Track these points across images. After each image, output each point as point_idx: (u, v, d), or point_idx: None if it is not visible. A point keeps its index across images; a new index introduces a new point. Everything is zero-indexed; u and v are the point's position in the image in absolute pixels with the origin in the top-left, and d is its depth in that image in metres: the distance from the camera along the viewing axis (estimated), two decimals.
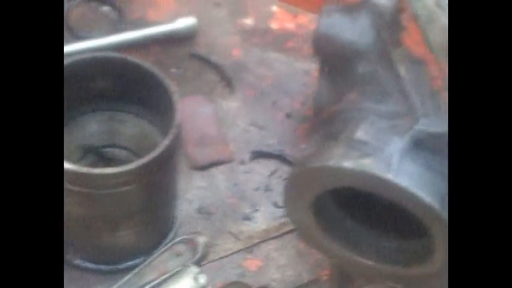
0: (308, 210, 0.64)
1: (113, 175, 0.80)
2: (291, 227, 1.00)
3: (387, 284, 0.77)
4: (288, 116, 1.12)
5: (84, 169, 0.79)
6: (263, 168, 1.06)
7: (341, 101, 0.64)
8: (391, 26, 0.63)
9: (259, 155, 1.08)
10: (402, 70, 0.62)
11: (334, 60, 0.67)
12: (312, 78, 1.13)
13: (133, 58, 0.88)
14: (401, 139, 0.58)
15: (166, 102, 0.86)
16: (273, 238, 1.00)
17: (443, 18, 0.58)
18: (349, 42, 0.66)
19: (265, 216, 1.02)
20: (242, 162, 1.07)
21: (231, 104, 1.12)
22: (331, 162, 0.59)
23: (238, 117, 1.11)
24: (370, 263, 0.66)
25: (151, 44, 1.14)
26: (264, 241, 0.99)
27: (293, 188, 0.63)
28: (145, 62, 0.88)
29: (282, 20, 1.22)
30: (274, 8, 1.22)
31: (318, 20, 0.68)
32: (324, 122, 0.64)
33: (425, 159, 0.59)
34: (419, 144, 0.59)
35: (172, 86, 0.87)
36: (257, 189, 1.04)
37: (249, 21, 1.21)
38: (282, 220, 1.01)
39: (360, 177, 0.58)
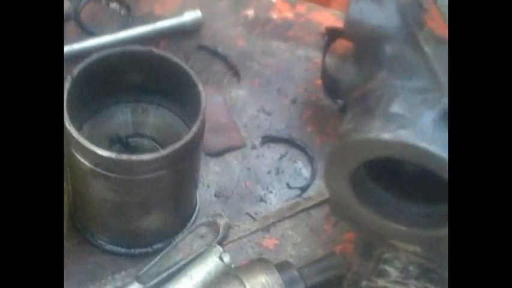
0: (346, 182, 0.70)
1: (149, 161, 0.83)
2: (303, 206, 1.05)
3: (407, 250, 0.83)
4: (293, 101, 1.16)
5: (124, 156, 0.82)
6: (273, 152, 1.10)
7: (372, 80, 0.69)
8: (414, 9, 0.68)
9: (269, 139, 1.12)
10: (427, 49, 0.67)
11: (364, 43, 0.73)
12: (313, 65, 1.17)
13: (160, 51, 0.91)
14: (433, 111, 0.64)
15: (191, 91, 0.90)
16: (287, 217, 1.04)
17: None
18: (377, 26, 0.71)
19: (279, 197, 1.06)
20: (253, 147, 1.11)
21: (239, 92, 1.16)
22: (372, 135, 0.64)
23: (247, 104, 1.15)
24: (402, 228, 0.71)
25: (159, 38, 1.17)
26: (279, 221, 1.03)
27: (333, 162, 0.68)
28: (170, 54, 0.92)
29: (281, 10, 1.25)
30: None
31: (348, 6, 0.74)
32: (357, 100, 0.69)
33: None
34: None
35: (197, 76, 0.91)
36: (269, 172, 1.09)
37: (250, 12, 1.24)
38: (295, 200, 1.05)
39: (398, 147, 0.64)
